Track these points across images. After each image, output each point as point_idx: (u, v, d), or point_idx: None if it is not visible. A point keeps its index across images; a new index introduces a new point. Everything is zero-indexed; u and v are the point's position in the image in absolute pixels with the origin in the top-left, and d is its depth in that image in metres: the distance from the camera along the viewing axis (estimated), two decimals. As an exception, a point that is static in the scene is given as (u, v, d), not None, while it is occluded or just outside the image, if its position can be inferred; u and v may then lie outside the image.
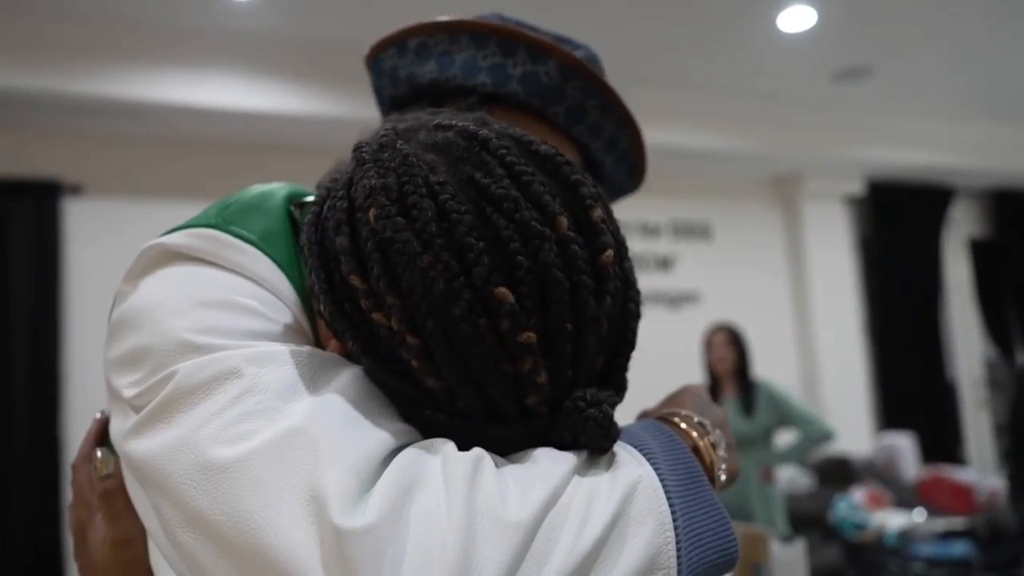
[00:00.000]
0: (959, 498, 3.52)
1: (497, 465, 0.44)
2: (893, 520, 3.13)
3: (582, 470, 0.45)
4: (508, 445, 0.47)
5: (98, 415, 0.64)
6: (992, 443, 5.39)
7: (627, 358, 0.52)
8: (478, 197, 0.46)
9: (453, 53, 0.68)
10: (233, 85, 3.08)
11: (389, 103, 0.74)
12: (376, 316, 0.45)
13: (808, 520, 3.30)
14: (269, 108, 3.17)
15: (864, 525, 3.06)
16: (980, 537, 2.99)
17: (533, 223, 0.45)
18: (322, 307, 0.49)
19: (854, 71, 3.88)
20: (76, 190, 3.26)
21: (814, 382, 4.67)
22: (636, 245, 4.42)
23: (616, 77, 0.79)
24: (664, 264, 4.49)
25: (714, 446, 0.55)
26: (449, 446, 0.44)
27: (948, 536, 3.02)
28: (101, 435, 0.61)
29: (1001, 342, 5.53)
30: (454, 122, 0.50)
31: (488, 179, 0.46)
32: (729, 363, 3.05)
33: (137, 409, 0.48)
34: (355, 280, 0.45)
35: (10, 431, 3.03)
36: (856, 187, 4.89)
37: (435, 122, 0.50)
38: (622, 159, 0.74)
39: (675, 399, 0.61)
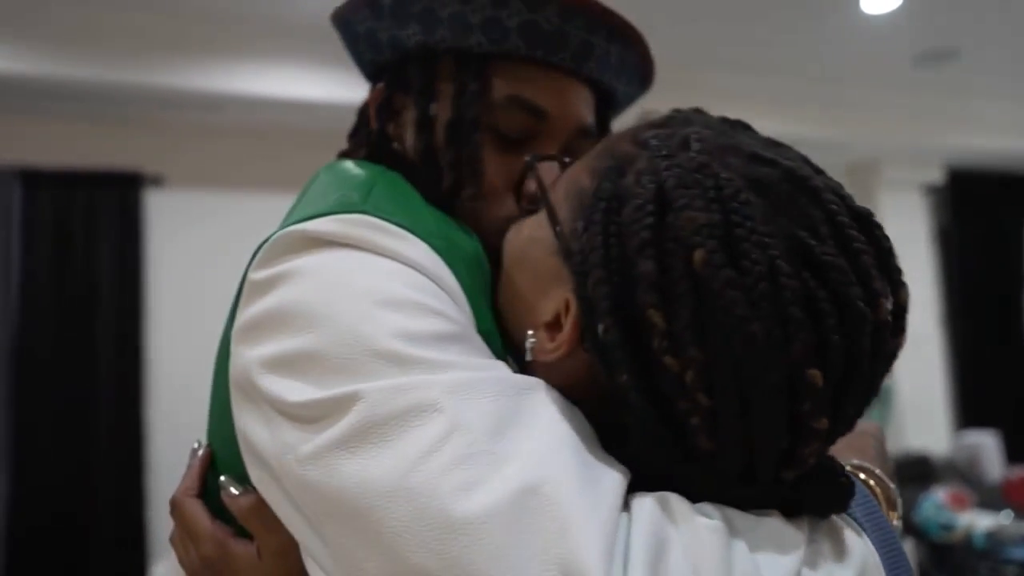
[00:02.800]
0: (1049, 500, 3.36)
1: (732, 528, 0.40)
2: (981, 522, 3.00)
3: (811, 557, 0.42)
4: (737, 502, 0.43)
5: (196, 447, 0.61)
6: (1079, 443, 5.14)
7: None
8: (800, 259, 0.40)
9: (437, 10, 0.61)
10: (313, 76, 3.12)
11: (372, 68, 0.69)
12: (669, 360, 0.40)
13: (887, 519, 3.20)
14: (349, 99, 3.19)
15: (951, 526, 2.94)
16: (1075, 541, 2.85)
17: (858, 303, 0.40)
18: (600, 327, 0.42)
19: (940, 54, 3.73)
20: (157, 182, 3.35)
21: (889, 377, 4.52)
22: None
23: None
24: (733, 255, 4.40)
25: (899, 519, 0.56)
26: (686, 507, 0.40)
27: (1040, 539, 2.89)
28: (207, 467, 0.59)
29: (1089, 338, 5.27)
30: (778, 158, 0.44)
31: (814, 240, 0.41)
32: None
33: (301, 420, 0.44)
34: (654, 315, 0.40)
35: (96, 418, 3.13)
36: (935, 175, 4.71)
37: (752, 150, 0.45)
38: (632, 78, 0.70)
39: (859, 444, 0.60)
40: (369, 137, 0.68)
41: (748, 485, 0.42)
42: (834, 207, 0.42)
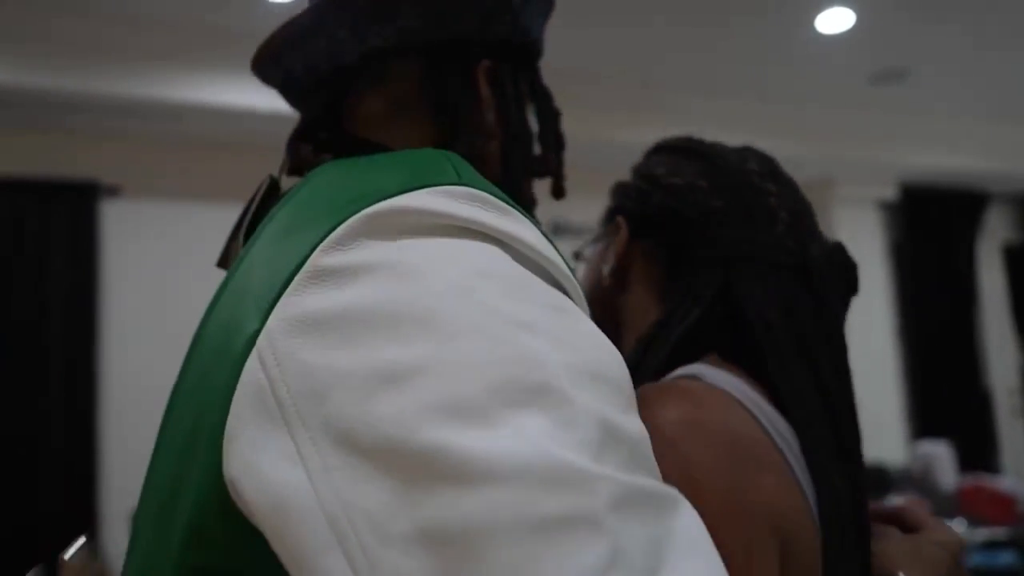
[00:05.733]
0: (1000, 508, 3.45)
1: None
2: (935, 530, 3.07)
3: None
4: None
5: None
6: (1028, 452, 5.29)
7: None
8: (763, 163, 0.77)
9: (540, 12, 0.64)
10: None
11: (509, 51, 0.60)
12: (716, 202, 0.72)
13: (845, 529, 3.24)
14: (306, 110, 3.17)
15: (906, 534, 3.00)
16: (1025, 548, 2.93)
17: (785, 174, 0.77)
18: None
19: (893, 73, 3.84)
20: (114, 191, 3.28)
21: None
22: (667, 249, 4.37)
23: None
24: (695, 269, 4.45)
25: None
26: None
27: (992, 546, 2.96)
28: None
29: (1036, 350, 5.43)
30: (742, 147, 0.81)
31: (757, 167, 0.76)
32: None
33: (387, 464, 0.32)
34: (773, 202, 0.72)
35: (47, 430, 3.04)
36: (889, 192, 4.83)
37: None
38: None
39: (931, 557, 0.60)
40: (452, 124, 0.58)
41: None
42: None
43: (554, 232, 4.03)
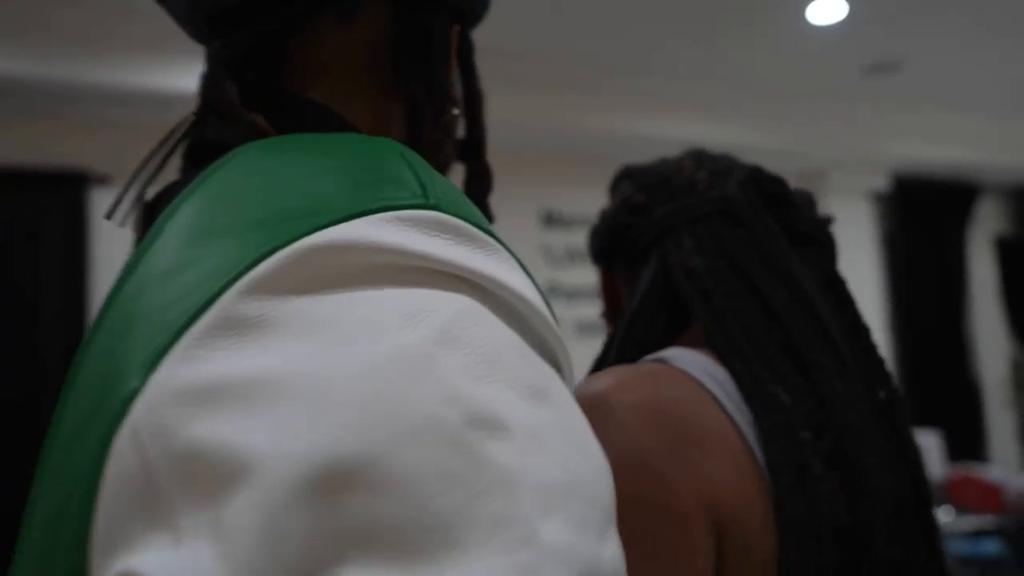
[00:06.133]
0: (987, 497, 3.49)
1: None
2: (923, 518, 3.10)
3: None
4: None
5: None
6: (1017, 443, 5.34)
7: None
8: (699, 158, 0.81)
9: None
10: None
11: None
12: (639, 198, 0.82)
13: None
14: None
15: (895, 523, 3.03)
16: (1011, 537, 2.97)
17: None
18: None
19: (883, 65, 3.84)
20: (104, 181, 3.26)
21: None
22: (659, 240, 4.37)
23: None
24: (687, 259, 4.45)
25: None
26: None
27: (978, 535, 3.00)
28: None
29: (1026, 341, 5.47)
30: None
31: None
32: None
33: None
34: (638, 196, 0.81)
35: (39, 420, 3.03)
36: (881, 183, 4.85)
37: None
38: None
39: None
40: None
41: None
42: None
43: (547, 222, 4.03)
